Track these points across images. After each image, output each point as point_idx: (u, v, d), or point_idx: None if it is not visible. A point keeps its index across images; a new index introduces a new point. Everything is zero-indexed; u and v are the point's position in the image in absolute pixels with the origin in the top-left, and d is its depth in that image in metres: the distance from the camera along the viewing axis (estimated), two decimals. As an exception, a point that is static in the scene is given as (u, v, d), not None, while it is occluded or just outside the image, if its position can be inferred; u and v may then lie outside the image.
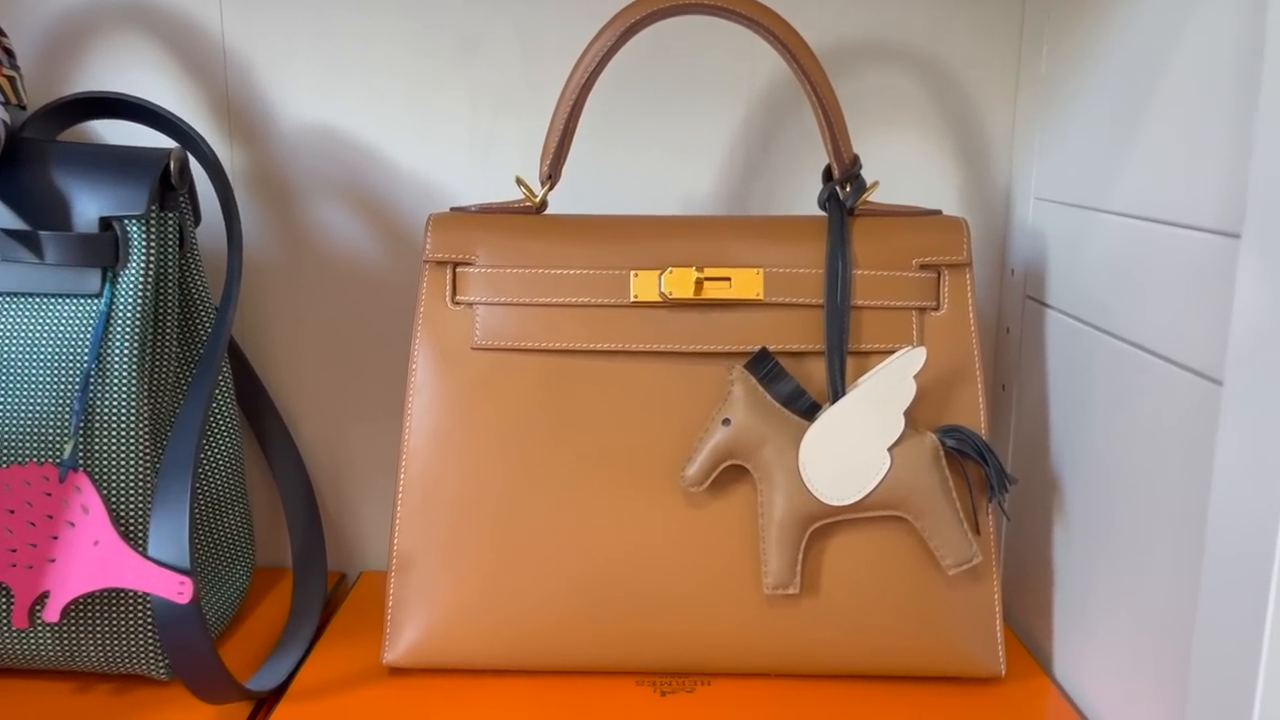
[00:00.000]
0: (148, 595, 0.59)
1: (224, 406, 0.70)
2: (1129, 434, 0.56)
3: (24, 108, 0.65)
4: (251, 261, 0.76)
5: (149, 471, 0.60)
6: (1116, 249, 0.58)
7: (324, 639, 0.68)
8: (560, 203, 0.71)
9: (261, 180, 0.75)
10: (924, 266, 0.62)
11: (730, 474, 0.60)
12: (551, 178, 0.64)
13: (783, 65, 0.73)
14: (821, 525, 0.60)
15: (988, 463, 0.60)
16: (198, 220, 0.68)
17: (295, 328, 0.77)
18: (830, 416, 0.59)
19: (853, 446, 0.59)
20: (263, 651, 0.68)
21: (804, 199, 0.75)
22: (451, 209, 0.65)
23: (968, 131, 0.74)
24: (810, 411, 0.60)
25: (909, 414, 0.59)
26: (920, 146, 0.74)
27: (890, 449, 0.59)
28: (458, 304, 0.62)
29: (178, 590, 0.54)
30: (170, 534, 0.55)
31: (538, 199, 0.64)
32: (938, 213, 0.64)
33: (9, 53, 0.64)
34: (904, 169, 0.73)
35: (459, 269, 0.62)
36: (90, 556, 0.57)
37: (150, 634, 0.60)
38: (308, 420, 0.78)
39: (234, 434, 0.71)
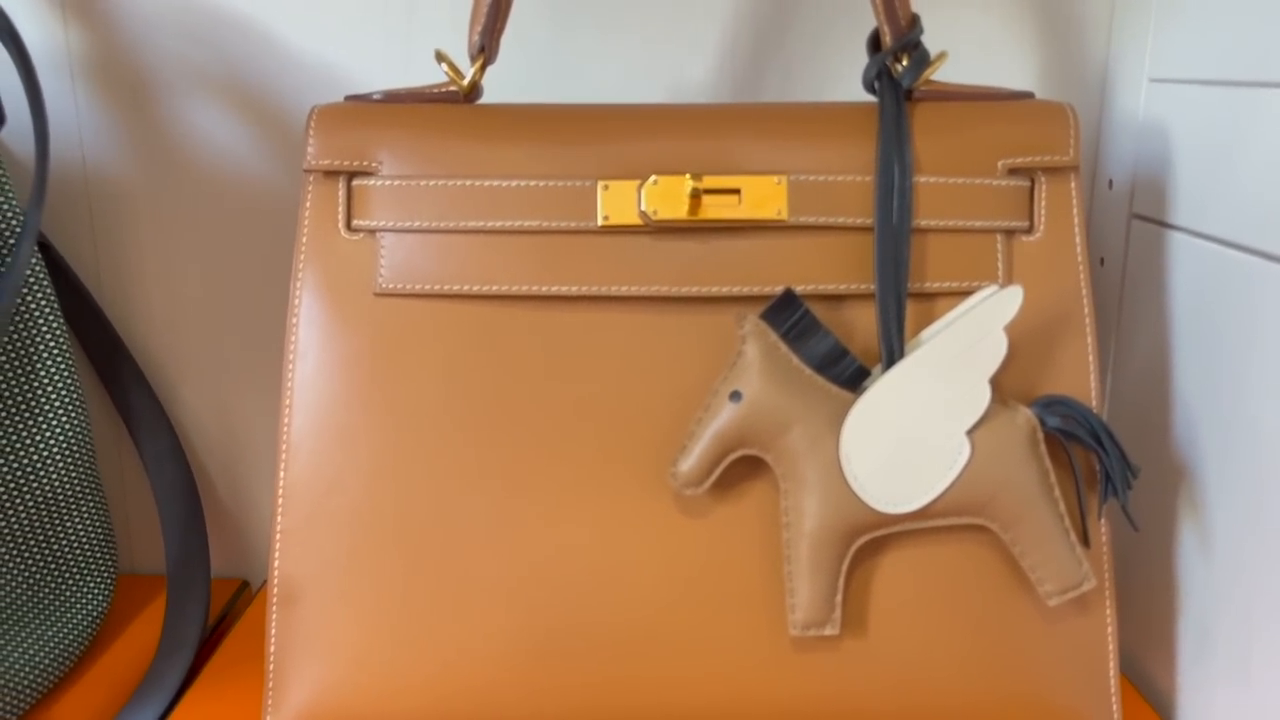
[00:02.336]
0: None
1: (59, 377, 0.52)
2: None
3: None
4: (101, 181, 0.58)
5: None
6: (1306, 139, 0.40)
7: (202, 679, 0.52)
8: (502, 94, 0.53)
9: (108, 71, 0.57)
10: (1013, 171, 0.44)
11: (742, 469, 0.43)
12: (485, 51, 0.46)
13: (805, -97, 0.54)
14: (871, 539, 0.43)
15: (1105, 448, 0.43)
16: (0, 119, 0.49)
17: (165, 267, 0.59)
18: (884, 386, 0.42)
19: (916, 429, 0.42)
20: (122, 698, 0.51)
21: (831, 90, 0.57)
22: (346, 98, 0.46)
23: (1049, -4, 0.55)
24: (855, 380, 0.42)
25: (994, 382, 0.42)
26: (977, 11, 0.56)
27: (969, 431, 0.42)
28: (355, 231, 0.45)
29: (-74, 660, 0.37)
30: (-76, 573, 0.38)
31: (466, 81, 0.46)
32: (1029, 96, 0.46)
33: None
34: (952, 42, 0.55)
35: (356, 182, 0.45)
36: None
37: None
38: (188, 387, 0.61)
39: (77, 410, 0.53)
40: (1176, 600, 0.48)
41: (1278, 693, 0.41)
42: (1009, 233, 0.44)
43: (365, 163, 0.44)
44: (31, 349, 0.52)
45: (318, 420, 0.44)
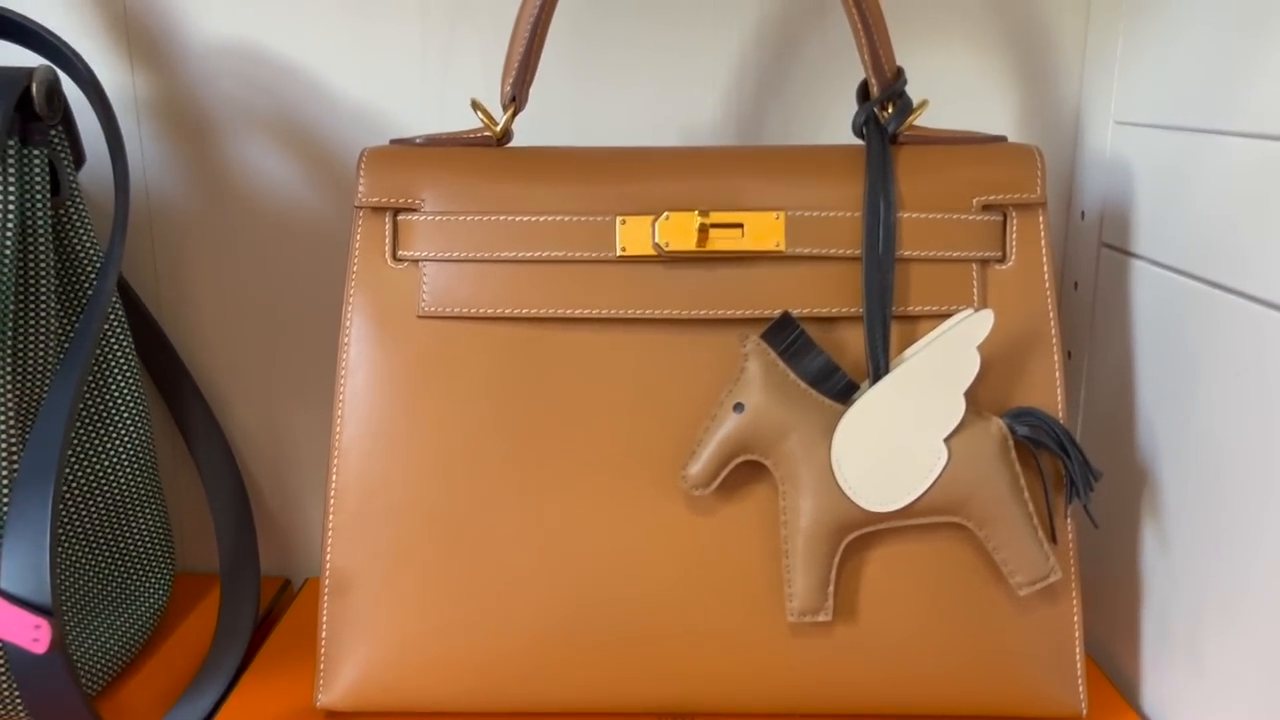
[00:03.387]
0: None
1: (127, 390, 0.58)
2: (1250, 415, 0.44)
3: None
4: (163, 212, 0.63)
5: (12, 480, 0.48)
6: (1245, 181, 0.45)
7: (254, 667, 0.57)
8: (529, 136, 0.58)
9: (170, 111, 0.62)
10: (987, 207, 0.49)
11: (744, 472, 0.48)
12: (515, 100, 0.51)
13: (803, -38, 0.60)
14: (860, 536, 0.48)
15: (1069, 455, 0.47)
16: (79, 161, 0.55)
17: (220, 291, 0.65)
18: (871, 399, 0.47)
19: (900, 437, 0.47)
20: (182, 682, 0.56)
21: (829, 128, 0.62)
22: (391, 141, 0.52)
23: (1023, 39, 0.60)
24: (845, 393, 0.47)
25: (969, 394, 0.47)
26: (962, 59, 0.61)
27: (947, 439, 0.47)
28: (400, 261, 0.50)
29: (32, 636, 0.42)
30: (27, 561, 0.43)
31: (499, 127, 0.51)
32: (1002, 139, 0.51)
33: None
34: (940, 86, 0.60)
35: (401, 217, 0.50)
36: (-67, 587, 0.45)
37: (9, 682, 0.48)
38: (239, 402, 0.66)
39: (141, 422, 0.59)
40: (1139, 593, 0.53)
41: (1227, 674, 0.46)
42: (983, 262, 0.49)
43: (410, 200, 0.50)
44: (106, 366, 0.57)
45: (366, 429, 0.50)
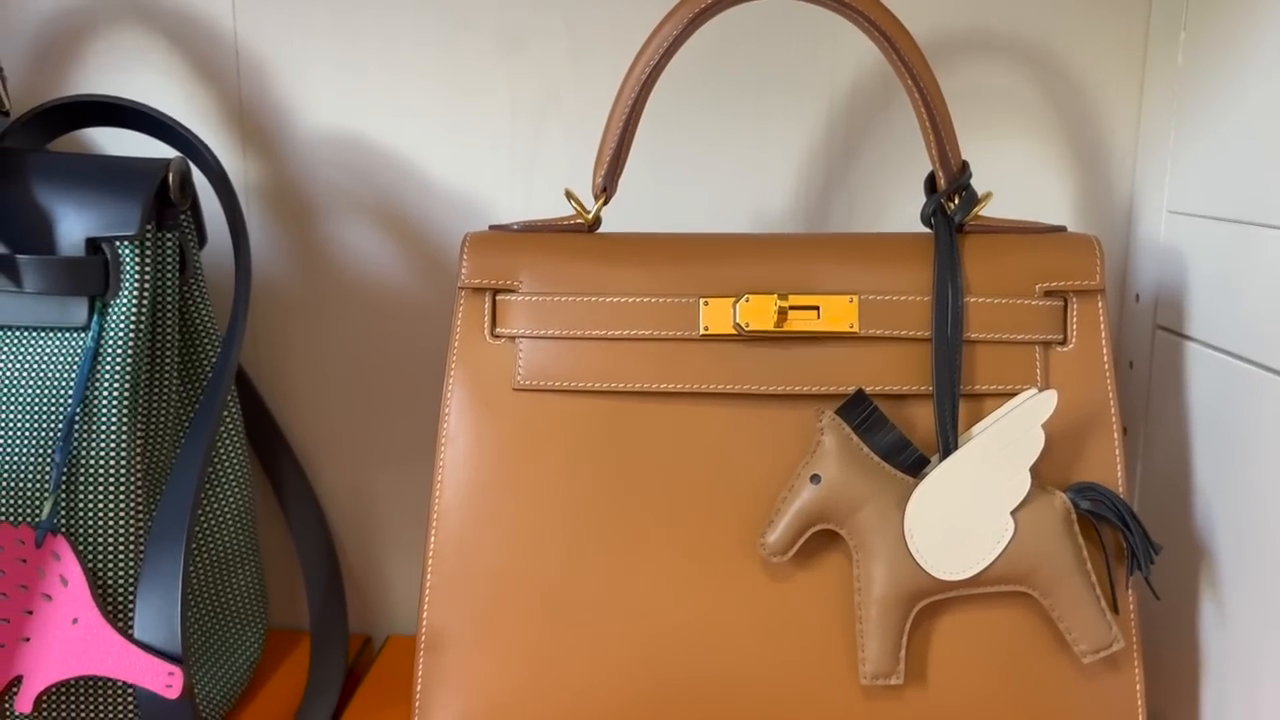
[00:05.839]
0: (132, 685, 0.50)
1: (233, 453, 0.62)
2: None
3: (6, 114, 0.57)
4: (266, 287, 0.68)
5: (141, 535, 0.52)
6: (1293, 272, 0.48)
7: (345, 719, 0.59)
8: (611, 220, 0.62)
9: (277, 195, 0.67)
10: (1049, 293, 0.52)
11: (820, 540, 0.51)
12: (606, 191, 0.56)
13: (866, 63, 0.64)
14: (930, 603, 0.51)
15: (1130, 528, 0.50)
16: (203, 241, 0.59)
17: (315, 362, 0.69)
18: (941, 473, 0.50)
19: (969, 509, 0.49)
20: (275, 734, 0.59)
21: (890, 215, 0.66)
22: (491, 227, 0.56)
23: (1079, 133, 0.64)
24: (917, 467, 0.50)
25: (1034, 470, 0.50)
26: (1019, 150, 0.64)
27: (1014, 512, 0.49)
28: (497, 337, 0.54)
29: (165, 683, 0.45)
30: (160, 613, 0.47)
31: (590, 215, 0.55)
32: (1062, 229, 0.55)
33: (-11, 51, 0.56)
34: (999, 176, 0.63)
35: (499, 297, 0.54)
36: (69, 637, 0.48)
37: (137, 728, 0.51)
38: (329, 466, 0.70)
39: (244, 484, 0.63)
40: (1198, 662, 0.55)
41: (1285, 743, 0.48)
42: (1045, 344, 0.52)
43: (508, 281, 0.54)
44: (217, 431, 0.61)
45: (464, 494, 0.53)
